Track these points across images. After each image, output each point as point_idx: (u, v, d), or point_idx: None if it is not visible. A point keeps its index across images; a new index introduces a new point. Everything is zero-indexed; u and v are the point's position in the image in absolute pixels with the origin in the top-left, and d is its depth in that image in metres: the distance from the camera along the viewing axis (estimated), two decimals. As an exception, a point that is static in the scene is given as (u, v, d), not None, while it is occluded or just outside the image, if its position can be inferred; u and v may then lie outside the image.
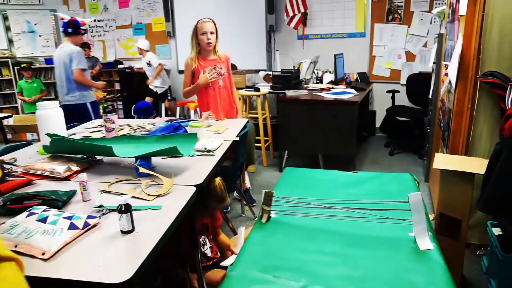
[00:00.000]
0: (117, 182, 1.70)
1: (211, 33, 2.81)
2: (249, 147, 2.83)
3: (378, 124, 5.64)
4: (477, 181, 1.82)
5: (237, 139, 2.29)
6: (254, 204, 3.16)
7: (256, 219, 1.79)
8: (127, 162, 1.89)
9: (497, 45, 2.18)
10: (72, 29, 3.75)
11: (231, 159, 2.50)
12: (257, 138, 4.45)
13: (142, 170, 1.69)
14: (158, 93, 6.17)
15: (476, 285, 2.09)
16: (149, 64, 6.05)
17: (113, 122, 2.31)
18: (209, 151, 2.01)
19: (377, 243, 1.56)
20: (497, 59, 2.18)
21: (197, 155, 2.00)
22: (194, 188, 1.57)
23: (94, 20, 7.35)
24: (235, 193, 3.32)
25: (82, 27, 3.79)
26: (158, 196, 1.52)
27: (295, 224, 1.73)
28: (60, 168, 1.79)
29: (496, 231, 2.03)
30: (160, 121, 2.75)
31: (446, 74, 2.72)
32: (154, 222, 1.32)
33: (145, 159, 1.77)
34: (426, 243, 1.52)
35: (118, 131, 2.42)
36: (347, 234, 1.63)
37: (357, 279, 1.35)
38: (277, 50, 5.83)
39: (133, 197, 1.52)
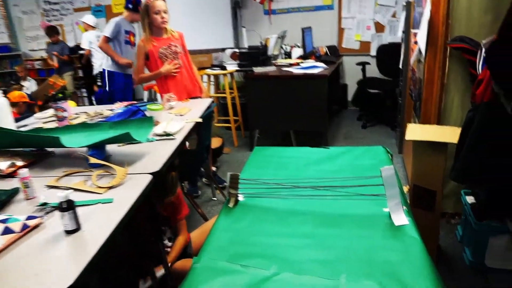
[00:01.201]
0: (66, 175, 1.54)
1: (165, 12, 2.63)
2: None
3: (350, 98, 5.59)
4: (450, 150, 1.76)
5: (200, 120, 2.15)
6: (225, 183, 3.02)
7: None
8: (79, 153, 1.73)
9: (466, 10, 2.10)
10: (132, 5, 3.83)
11: (196, 142, 2.36)
12: (226, 118, 4.32)
13: (92, 160, 1.54)
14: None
15: (451, 254, 2.07)
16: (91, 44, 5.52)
17: (64, 110, 2.12)
18: (168, 135, 1.87)
19: (351, 221, 1.48)
20: (466, 24, 2.10)
21: (157, 140, 1.85)
22: (151, 176, 1.43)
23: (50, 3, 6.91)
24: (203, 179, 3.19)
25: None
26: (110, 188, 1.37)
27: (265, 207, 1.63)
28: (2, 164, 1.61)
29: (470, 199, 1.99)
30: (119, 107, 2.57)
31: (416, 43, 2.64)
32: (104, 217, 1.18)
33: (97, 148, 1.62)
34: (401, 218, 1.45)
35: (72, 120, 2.24)
36: (319, 214, 1.54)
37: (330, 261, 1.27)
38: (243, 27, 5.62)
39: (82, 190, 1.37)
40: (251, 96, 3.92)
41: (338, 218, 1.50)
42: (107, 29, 3.81)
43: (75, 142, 1.64)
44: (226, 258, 1.32)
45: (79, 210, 1.15)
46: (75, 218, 1.11)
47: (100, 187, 1.37)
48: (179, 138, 1.86)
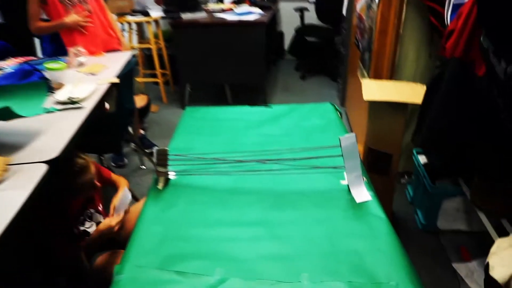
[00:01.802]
0: None
1: None
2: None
3: (286, 46, 5.30)
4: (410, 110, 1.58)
5: (116, 80, 1.75)
6: (155, 147, 2.65)
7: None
8: None
9: None
10: None
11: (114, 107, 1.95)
12: (153, 72, 3.84)
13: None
14: None
15: (403, 216, 1.98)
16: None
17: None
18: (74, 102, 1.46)
19: (306, 200, 1.25)
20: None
21: (59, 110, 1.44)
22: (46, 166, 1.06)
23: None
24: (131, 145, 2.79)
25: None
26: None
27: (201, 187, 1.34)
28: None
29: (422, 159, 1.87)
30: (11, 64, 2.04)
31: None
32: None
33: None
34: (363, 193, 1.25)
35: None
36: (267, 193, 1.29)
37: (286, 257, 1.04)
38: (168, -34, 4.96)
39: None
40: (179, 47, 3.48)
41: (291, 197, 1.26)
42: None
43: None
44: (157, 263, 1.03)
45: None
46: None
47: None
48: (89, 105, 1.46)
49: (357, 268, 0.99)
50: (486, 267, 1.13)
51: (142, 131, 2.69)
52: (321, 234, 1.10)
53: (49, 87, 1.57)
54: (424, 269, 1.61)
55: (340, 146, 1.22)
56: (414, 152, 1.89)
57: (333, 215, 1.17)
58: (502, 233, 1.40)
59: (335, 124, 1.75)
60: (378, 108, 1.49)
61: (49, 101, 1.48)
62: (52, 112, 1.42)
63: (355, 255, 1.03)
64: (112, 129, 1.94)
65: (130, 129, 2.56)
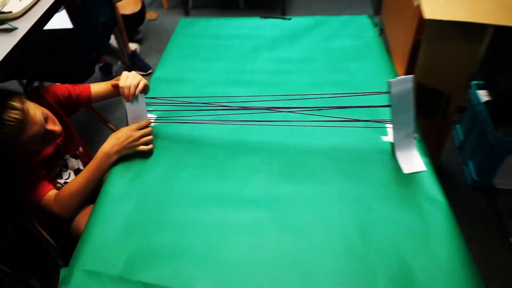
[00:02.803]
0: None
1: None
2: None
3: None
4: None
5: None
6: (150, 71, 2.24)
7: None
8: None
9: None
10: None
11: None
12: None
13: None
14: None
15: (447, 165, 1.58)
16: None
17: None
18: (2, 22, 1.03)
19: (329, 169, 0.89)
20: None
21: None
22: None
23: None
24: (119, 62, 2.34)
25: None
26: None
27: (186, 140, 0.99)
28: None
29: (484, 95, 1.44)
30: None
31: None
32: None
33: None
34: (414, 161, 0.88)
35: None
36: (276, 155, 0.93)
37: (299, 262, 0.72)
38: None
39: None
40: None
41: (308, 162, 0.90)
42: None
43: None
44: (117, 269, 0.72)
45: None
46: None
47: None
48: (25, 26, 1.03)
49: (400, 282, 0.67)
50: None
51: (133, 47, 2.24)
52: (347, 225, 0.77)
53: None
54: (472, 239, 1.28)
55: (389, 92, 0.82)
56: (474, 85, 1.45)
57: (367, 193, 0.82)
58: None
59: (374, 47, 1.31)
60: (442, 30, 1.02)
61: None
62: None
63: (397, 262, 0.70)
64: (74, 52, 1.51)
65: (115, 42, 2.12)
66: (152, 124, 1.02)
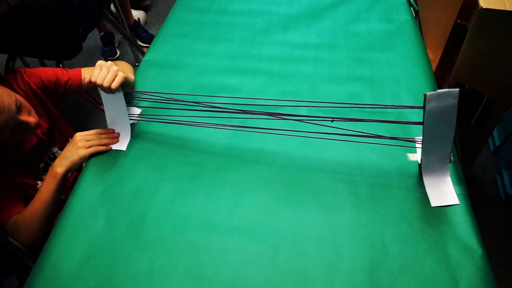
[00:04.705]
0: None
1: None
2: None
3: None
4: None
5: None
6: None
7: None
8: None
9: None
10: None
11: None
12: None
13: None
14: None
15: (477, 170, 1.38)
16: None
17: None
18: None
19: (339, 194, 0.73)
20: None
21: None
22: None
23: None
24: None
25: None
26: None
27: (171, 144, 0.84)
28: None
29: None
30: None
31: None
32: None
33: None
34: (446, 192, 0.71)
35: None
36: (277, 173, 0.77)
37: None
38: None
39: None
40: None
41: (319, 183, 0.74)
42: None
43: None
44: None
45: None
46: None
47: None
48: None
49: None
50: None
51: (137, 15, 2.02)
52: (356, 273, 0.62)
53: None
54: (501, 264, 1.11)
55: (424, 107, 0.65)
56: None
57: (384, 231, 0.67)
58: None
59: (408, 34, 1.10)
60: (498, 22, 0.82)
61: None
62: None
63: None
64: (57, 24, 1.33)
65: (113, 8, 1.92)
66: (134, 121, 0.87)
